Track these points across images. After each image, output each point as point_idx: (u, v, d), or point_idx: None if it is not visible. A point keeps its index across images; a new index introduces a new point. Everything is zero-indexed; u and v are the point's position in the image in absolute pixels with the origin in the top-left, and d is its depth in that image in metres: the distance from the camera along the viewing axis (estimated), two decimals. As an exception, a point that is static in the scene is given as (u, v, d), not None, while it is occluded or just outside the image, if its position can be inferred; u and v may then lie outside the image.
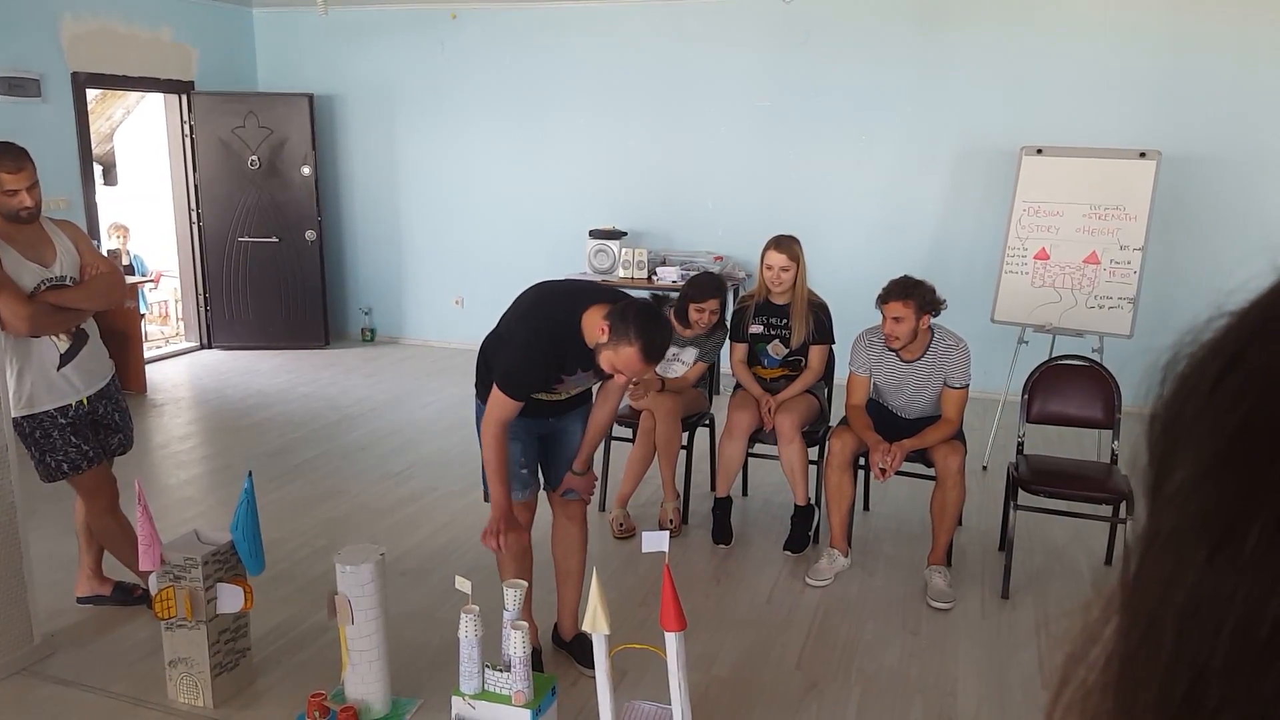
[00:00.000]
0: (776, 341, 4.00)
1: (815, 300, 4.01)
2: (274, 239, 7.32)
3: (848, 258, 6.19)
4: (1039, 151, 5.33)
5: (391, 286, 7.74)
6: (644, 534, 2.35)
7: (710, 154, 6.64)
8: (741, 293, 5.07)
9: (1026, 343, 5.21)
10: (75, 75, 6.20)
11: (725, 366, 4.54)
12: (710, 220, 6.70)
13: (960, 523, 3.96)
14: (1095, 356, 4.39)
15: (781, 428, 3.83)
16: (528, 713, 2.57)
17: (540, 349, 2.61)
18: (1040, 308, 5.17)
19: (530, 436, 2.87)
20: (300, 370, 6.83)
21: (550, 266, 6.46)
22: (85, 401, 3.16)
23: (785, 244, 3.94)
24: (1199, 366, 0.30)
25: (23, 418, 3.04)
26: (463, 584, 2.59)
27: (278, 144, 7.20)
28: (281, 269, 7.36)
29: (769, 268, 3.94)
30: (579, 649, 3.05)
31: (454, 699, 2.63)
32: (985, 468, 4.92)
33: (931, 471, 3.63)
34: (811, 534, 3.97)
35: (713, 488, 4.23)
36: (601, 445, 3.18)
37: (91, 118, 6.85)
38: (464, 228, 7.37)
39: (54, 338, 3.07)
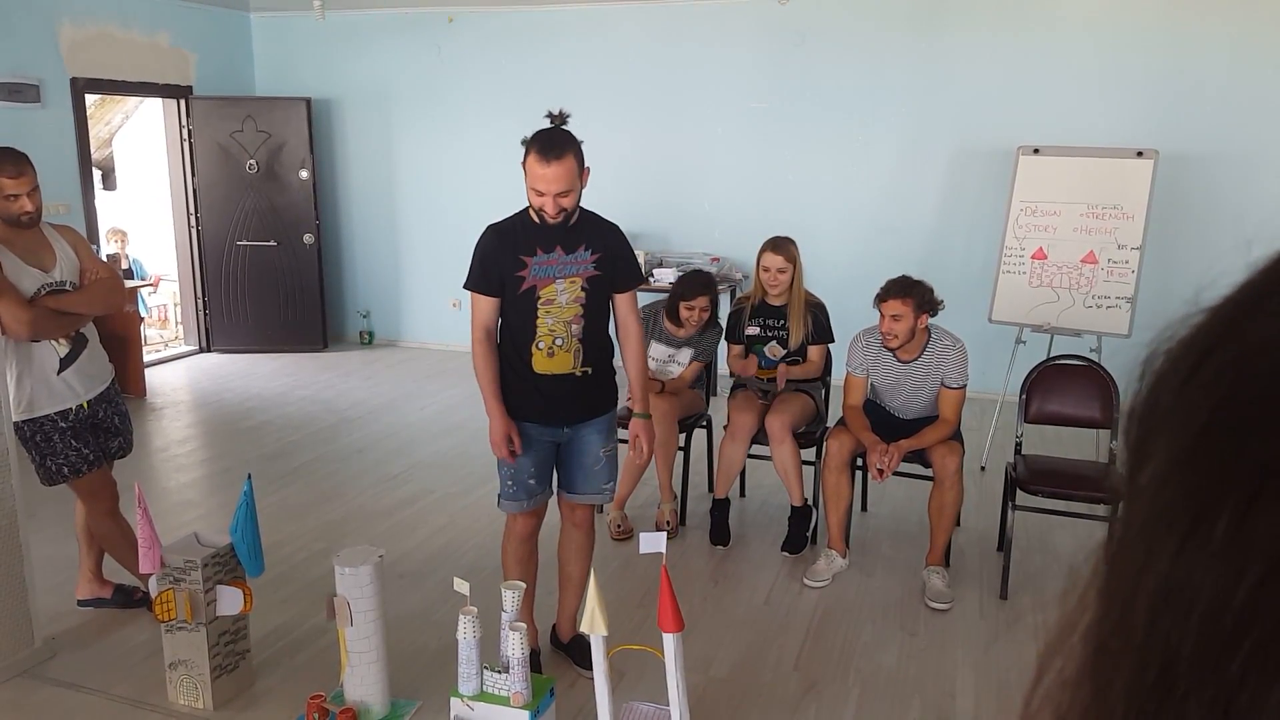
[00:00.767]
0: (774, 343, 4.01)
1: (812, 300, 4.02)
2: (272, 242, 7.33)
3: (844, 258, 6.20)
4: (1036, 151, 5.34)
5: (389, 289, 7.75)
6: (641, 535, 2.36)
7: (707, 156, 6.65)
8: (738, 294, 5.08)
9: (1024, 342, 5.22)
10: (74, 81, 6.21)
11: (723, 368, 4.55)
12: (707, 222, 6.72)
13: (958, 523, 3.97)
14: (1093, 356, 4.39)
15: (772, 429, 3.83)
16: (526, 714, 2.57)
17: (486, 235, 2.79)
18: (1038, 308, 5.18)
19: (544, 445, 2.85)
20: (299, 373, 6.84)
21: (549, 269, 6.46)
22: (85, 405, 3.17)
23: (782, 245, 3.95)
24: (1173, 361, 0.30)
25: (23, 422, 3.05)
26: (461, 586, 2.60)
27: (276, 148, 7.21)
28: (280, 272, 7.37)
29: (766, 269, 3.95)
30: (577, 650, 3.06)
31: (453, 700, 2.64)
32: (983, 468, 4.92)
33: (929, 472, 3.64)
34: (809, 535, 3.98)
35: (710, 489, 4.24)
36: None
37: (90, 123, 6.86)
38: (461, 230, 7.34)
39: (54, 342, 3.08)
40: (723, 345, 4.20)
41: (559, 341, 2.76)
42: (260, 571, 2.85)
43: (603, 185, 7.17)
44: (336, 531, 4.12)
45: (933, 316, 3.58)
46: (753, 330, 4.03)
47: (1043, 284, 5.20)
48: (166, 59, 6.91)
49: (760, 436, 3.93)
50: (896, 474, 3.60)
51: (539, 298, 2.72)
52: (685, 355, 4.12)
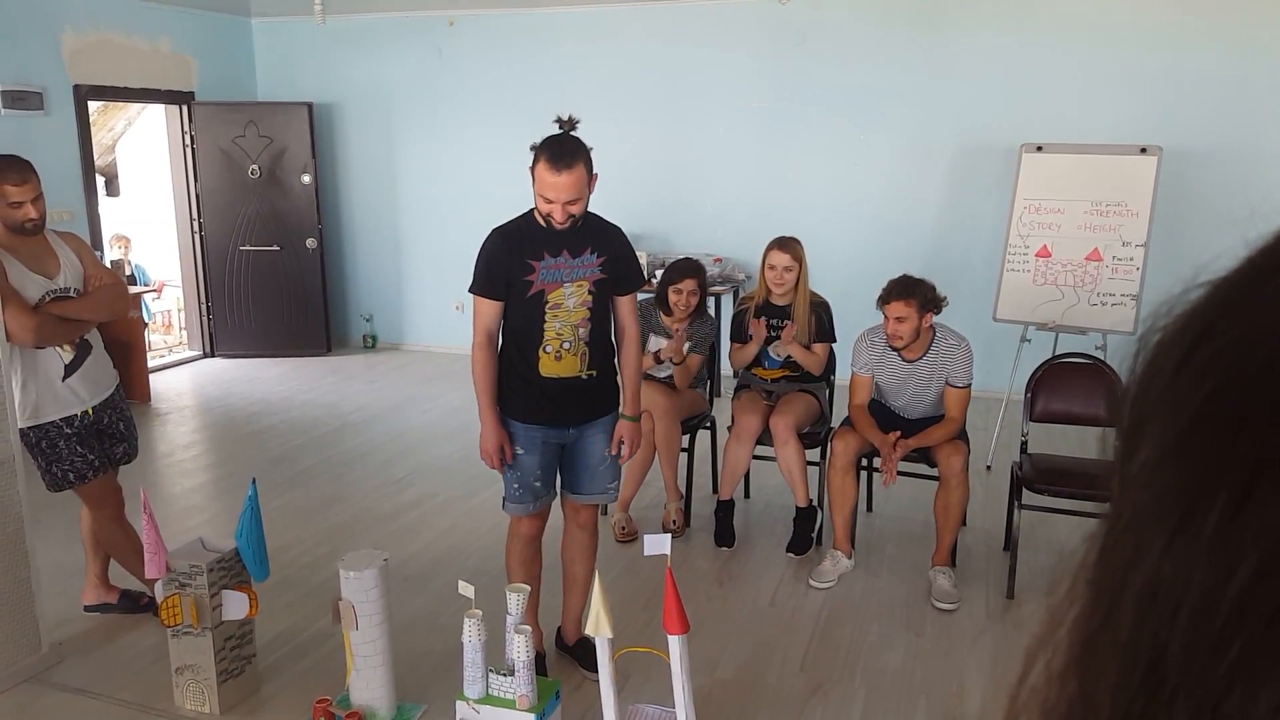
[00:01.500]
0: (778, 342, 4.00)
1: (816, 299, 4.02)
2: (275, 247, 7.34)
3: (848, 258, 6.19)
4: (1039, 149, 5.33)
5: (392, 293, 7.76)
6: (646, 537, 2.35)
7: (709, 156, 6.65)
8: (741, 293, 5.07)
9: (1029, 341, 5.21)
10: (77, 88, 6.23)
11: (726, 369, 4.55)
12: (709, 222, 6.71)
13: (964, 523, 3.95)
14: (1099, 354, 4.38)
15: (776, 429, 3.82)
16: (532, 717, 2.57)
17: (492, 238, 2.77)
18: (1042, 305, 5.17)
19: (549, 447, 2.84)
20: (302, 378, 6.85)
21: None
22: (90, 411, 3.17)
23: (788, 245, 3.95)
24: (1168, 343, 0.30)
25: (29, 428, 3.05)
26: (466, 589, 2.60)
27: (278, 153, 7.23)
28: (283, 277, 7.38)
29: (772, 268, 3.95)
30: (582, 653, 3.05)
31: (458, 703, 2.64)
32: (989, 467, 4.91)
33: (935, 472, 3.63)
34: (814, 536, 3.97)
35: (714, 490, 4.23)
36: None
37: (93, 129, 6.88)
38: (464, 233, 7.33)
39: (58, 349, 3.09)
40: (725, 344, 4.20)
41: (566, 345, 2.75)
42: (265, 576, 2.85)
43: (605, 187, 7.14)
44: (341, 535, 4.12)
45: (937, 314, 3.57)
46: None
47: (1047, 282, 5.19)
48: (168, 65, 6.93)
49: (765, 437, 3.92)
50: (901, 474, 3.59)
51: (547, 301, 2.72)
52: (657, 343, 4.06)
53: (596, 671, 2.41)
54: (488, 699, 2.61)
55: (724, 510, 4.01)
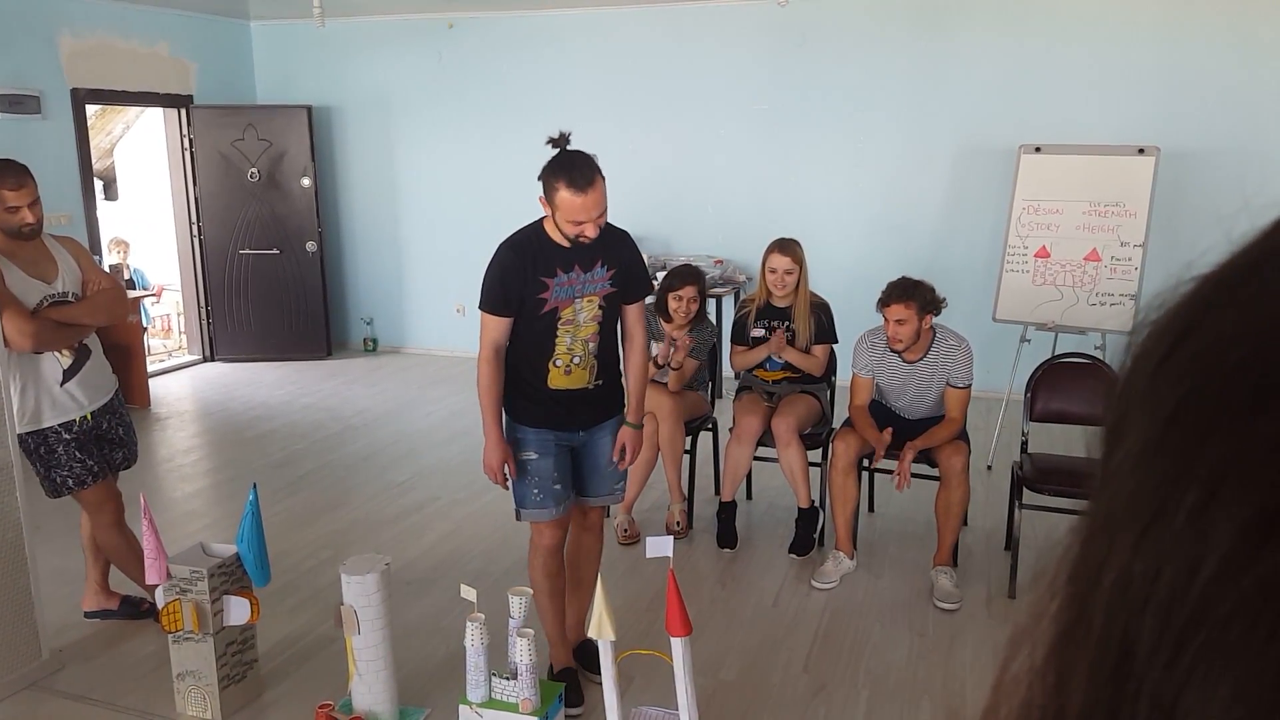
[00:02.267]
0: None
1: (817, 300, 4.02)
2: (275, 251, 7.33)
3: (847, 259, 6.19)
4: (1037, 149, 5.33)
5: (392, 296, 7.75)
6: (648, 540, 2.35)
7: (709, 158, 6.65)
8: (742, 296, 5.07)
9: (1029, 341, 5.21)
10: (75, 91, 6.22)
11: (727, 370, 4.54)
12: (710, 224, 6.71)
13: (965, 523, 3.95)
14: (1098, 354, 4.38)
15: (778, 431, 3.82)
16: (535, 720, 2.57)
17: (504, 254, 2.68)
18: (1042, 306, 5.17)
19: (561, 450, 2.83)
20: (303, 381, 6.84)
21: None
22: (89, 416, 3.17)
23: (788, 247, 3.95)
24: (1151, 340, 0.30)
25: (27, 434, 3.05)
26: (468, 592, 2.59)
27: (277, 156, 7.22)
28: (283, 280, 7.38)
29: (772, 270, 3.95)
30: (585, 655, 3.05)
31: (461, 708, 2.63)
32: (990, 467, 4.91)
33: (936, 472, 3.63)
34: (816, 537, 3.97)
35: (716, 492, 4.23)
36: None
37: (91, 133, 6.88)
38: (464, 236, 7.37)
39: (57, 354, 3.08)
40: (727, 346, 4.19)
41: (576, 360, 2.75)
42: (267, 581, 2.84)
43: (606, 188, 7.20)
44: (342, 539, 4.11)
45: (937, 315, 3.57)
46: (758, 332, 4.02)
47: (1046, 282, 5.19)
48: (167, 68, 6.92)
49: (766, 439, 3.92)
50: (903, 474, 3.59)
51: (560, 318, 2.71)
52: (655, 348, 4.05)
53: (600, 674, 2.40)
54: (491, 703, 2.60)
55: (726, 512, 4.01)
